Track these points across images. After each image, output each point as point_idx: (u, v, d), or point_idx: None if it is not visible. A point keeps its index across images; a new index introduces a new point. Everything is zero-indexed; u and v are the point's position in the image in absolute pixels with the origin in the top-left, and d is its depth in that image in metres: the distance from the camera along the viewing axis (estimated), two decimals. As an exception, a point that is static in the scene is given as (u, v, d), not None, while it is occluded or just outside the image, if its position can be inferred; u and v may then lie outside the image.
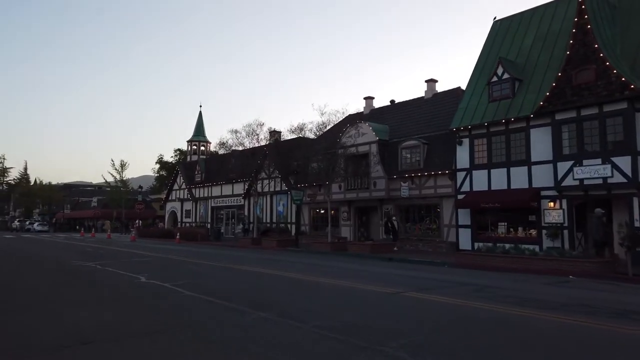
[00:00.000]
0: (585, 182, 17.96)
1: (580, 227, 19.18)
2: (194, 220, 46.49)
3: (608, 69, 17.48)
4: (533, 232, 20.19)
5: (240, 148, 32.61)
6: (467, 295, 10.09)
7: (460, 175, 22.86)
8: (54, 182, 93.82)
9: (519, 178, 20.49)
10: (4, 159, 71.68)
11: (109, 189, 64.03)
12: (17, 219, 72.55)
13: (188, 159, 53.53)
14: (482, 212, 21.87)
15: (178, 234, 37.59)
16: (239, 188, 39.73)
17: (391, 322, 7.41)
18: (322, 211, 31.31)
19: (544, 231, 19.54)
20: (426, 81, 30.56)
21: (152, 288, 10.88)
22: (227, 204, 42.19)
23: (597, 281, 13.29)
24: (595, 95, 17.73)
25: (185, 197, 47.86)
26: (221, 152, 41.68)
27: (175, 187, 50.31)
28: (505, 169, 21.03)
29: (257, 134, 31.56)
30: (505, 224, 21.24)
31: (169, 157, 68.11)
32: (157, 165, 68.13)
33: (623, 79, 17.04)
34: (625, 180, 16.95)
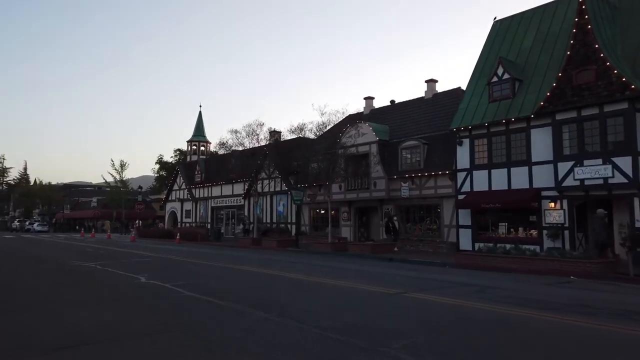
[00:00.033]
0: (586, 182, 17.95)
1: (581, 227, 19.16)
2: (194, 221, 46.48)
3: (608, 69, 17.47)
4: (534, 232, 20.17)
5: (240, 148, 32.59)
6: (468, 295, 10.07)
7: (461, 176, 22.84)
8: (53, 182, 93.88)
9: (519, 178, 20.47)
10: (3, 159, 71.87)
11: (108, 189, 64.04)
12: (17, 219, 72.57)
13: (188, 159, 53.52)
14: (482, 212, 21.85)
15: (178, 234, 37.58)
16: (239, 188, 39.72)
17: (392, 322, 7.39)
18: (322, 211, 31.30)
19: (544, 231, 19.52)
20: (426, 81, 30.55)
21: (152, 288, 10.86)
22: (227, 204, 42.18)
23: (598, 282, 13.27)
24: (596, 96, 17.71)
25: (185, 197, 47.85)
26: (221, 152, 41.67)
27: (175, 187, 50.30)
28: (505, 169, 21.01)
29: (257, 134, 31.58)
30: (506, 224, 21.22)
31: (169, 157, 68.18)
32: (157, 166, 68.15)
33: (624, 79, 17.02)
34: (626, 181, 16.93)
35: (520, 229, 20.68)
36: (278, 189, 35.07)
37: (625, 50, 18.75)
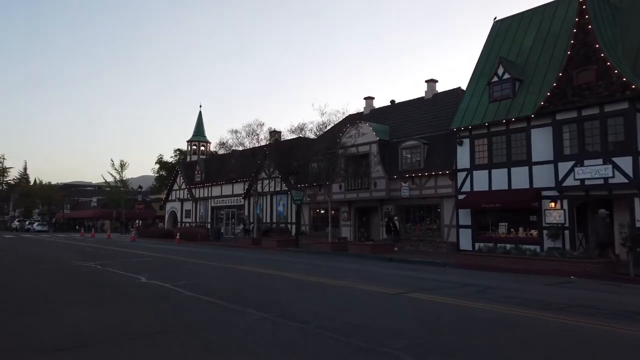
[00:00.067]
0: (586, 182, 17.93)
1: (581, 227, 19.15)
2: (193, 221, 46.46)
3: (609, 69, 17.45)
4: (534, 232, 20.15)
5: (240, 148, 32.59)
6: (468, 295, 10.06)
7: (461, 176, 22.83)
8: (53, 182, 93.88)
9: (519, 178, 20.46)
10: (3, 158, 71.78)
11: (108, 189, 64.01)
12: (17, 219, 72.57)
13: (188, 159, 53.50)
14: (482, 212, 21.83)
15: (178, 234, 37.57)
16: (239, 188, 39.71)
17: (392, 322, 7.38)
18: (323, 211, 31.29)
19: (544, 231, 19.50)
20: (426, 81, 30.53)
21: (152, 288, 10.84)
22: (227, 204, 42.16)
23: (598, 282, 13.27)
24: (596, 96, 17.69)
25: (185, 197, 47.83)
26: (221, 152, 41.66)
27: (175, 187, 50.28)
28: (505, 169, 20.99)
29: (257, 134, 31.60)
30: (506, 224, 21.20)
31: (169, 157, 68.16)
32: (157, 165, 68.13)
33: (624, 79, 17.00)
34: (626, 181, 16.91)
35: (521, 229, 20.66)
36: (278, 188, 35.06)
37: (626, 50, 18.73)
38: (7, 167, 75.59)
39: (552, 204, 19.28)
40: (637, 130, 16.96)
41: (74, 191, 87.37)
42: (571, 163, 18.34)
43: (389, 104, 33.19)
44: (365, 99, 34.67)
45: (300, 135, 30.79)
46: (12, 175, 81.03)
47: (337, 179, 27.44)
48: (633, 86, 16.75)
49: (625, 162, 16.97)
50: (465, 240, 22.20)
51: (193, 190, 46.46)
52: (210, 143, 53.75)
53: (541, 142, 19.71)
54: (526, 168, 20.27)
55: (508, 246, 17.50)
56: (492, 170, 21.48)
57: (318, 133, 29.42)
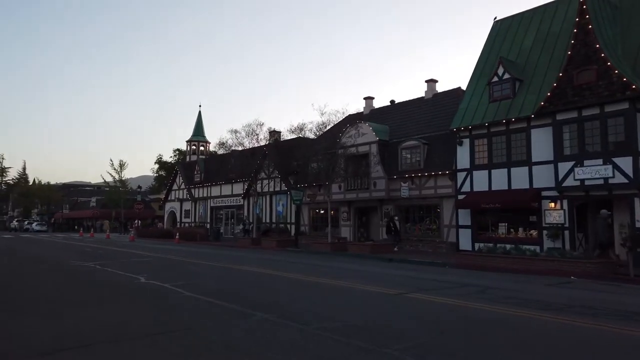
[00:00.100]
0: (586, 182, 17.92)
1: (581, 227, 19.14)
2: (193, 221, 46.41)
3: (609, 69, 17.44)
4: (534, 232, 20.14)
5: (240, 148, 32.54)
6: (468, 296, 10.04)
7: (461, 176, 22.81)
8: (52, 182, 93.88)
9: (519, 178, 20.44)
10: (2, 158, 71.60)
11: (107, 189, 63.95)
12: (16, 219, 72.47)
13: (187, 159, 53.44)
14: (482, 212, 21.81)
15: (177, 234, 37.52)
16: (239, 188, 39.67)
17: (393, 323, 7.36)
18: (322, 211, 31.25)
19: (544, 232, 19.49)
20: (426, 81, 30.52)
21: (152, 288, 10.81)
22: (226, 204, 42.12)
23: (598, 282, 13.25)
24: (597, 96, 17.68)
25: (185, 197, 47.78)
26: (220, 152, 41.61)
27: (175, 187, 50.22)
28: (505, 170, 20.98)
29: (256, 134, 31.54)
30: (506, 224, 21.19)
31: (168, 157, 68.13)
32: (156, 165, 68.10)
33: (624, 79, 17.00)
34: (626, 181, 16.90)
35: (520, 229, 20.65)
36: (277, 188, 35.03)
37: (626, 50, 18.73)
38: (6, 167, 75.43)
39: (552, 204, 19.27)
40: (637, 131, 16.96)
41: (73, 191, 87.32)
42: (571, 163, 18.33)
43: (389, 104, 33.18)
44: (365, 99, 34.65)
45: (300, 135, 30.76)
46: (11, 175, 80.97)
47: (336, 179, 27.41)
48: (633, 86, 16.74)
49: (626, 163, 16.96)
50: (465, 241, 22.18)
51: (192, 190, 46.41)
52: (209, 143, 53.74)
53: (541, 142, 19.70)
54: (526, 168, 20.26)
55: (508, 246, 17.48)
56: (492, 171, 21.47)
57: (318, 133, 29.39)
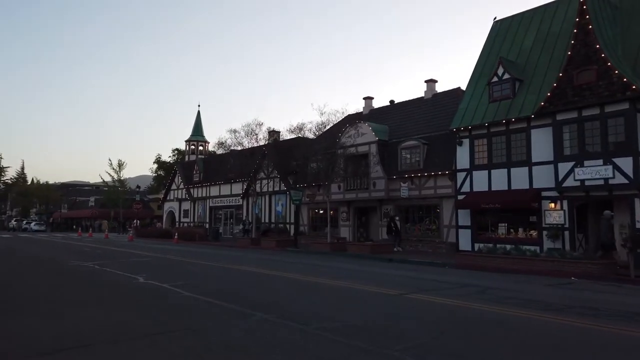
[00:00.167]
0: (587, 183, 17.89)
1: (581, 228, 19.12)
2: (192, 220, 46.36)
3: (609, 70, 17.41)
4: (533, 233, 20.11)
5: (239, 148, 32.50)
6: (469, 296, 10.02)
7: (461, 176, 22.78)
8: (51, 182, 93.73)
9: (519, 179, 20.41)
10: (1, 157, 71.32)
11: (106, 188, 63.88)
12: (14, 219, 72.38)
13: (186, 158, 53.39)
14: (482, 212, 21.78)
15: (176, 234, 37.45)
16: (238, 188, 39.63)
17: (392, 323, 7.33)
18: (321, 211, 31.20)
19: (544, 232, 19.46)
20: (426, 81, 30.50)
21: (151, 288, 10.77)
22: (225, 204, 42.06)
23: (599, 283, 13.22)
24: (597, 96, 17.66)
25: (184, 197, 47.73)
26: (220, 152, 41.56)
27: (174, 187, 50.17)
28: (505, 170, 20.95)
29: (256, 134, 31.51)
30: (506, 224, 21.16)
31: (167, 157, 68.07)
32: (155, 165, 68.04)
33: (625, 79, 16.97)
34: (626, 182, 16.88)
35: (520, 230, 20.62)
36: (277, 188, 34.98)
37: (626, 50, 18.70)
38: (4, 166, 75.21)
39: (552, 205, 19.24)
40: (637, 131, 16.93)
41: (71, 191, 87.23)
42: (571, 163, 18.30)
43: (388, 104, 33.15)
44: (364, 99, 34.62)
45: (300, 135, 30.73)
46: (10, 174, 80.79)
47: (336, 179, 27.38)
48: (634, 86, 16.72)
49: (626, 163, 16.93)
50: (465, 241, 22.15)
51: (191, 190, 46.36)
52: (208, 143, 53.72)
53: (541, 142, 19.67)
54: (526, 168, 20.23)
55: (508, 247, 17.45)
56: (492, 171, 21.43)
57: (317, 133, 29.37)
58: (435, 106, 28.30)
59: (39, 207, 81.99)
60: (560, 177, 18.62)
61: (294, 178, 32.00)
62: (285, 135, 32.88)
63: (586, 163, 17.89)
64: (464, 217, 22.48)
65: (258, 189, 33.59)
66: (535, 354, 5.78)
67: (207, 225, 42.92)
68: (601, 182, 17.49)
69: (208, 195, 44.20)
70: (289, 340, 6.14)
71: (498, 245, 18.10)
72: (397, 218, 24.93)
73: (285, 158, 31.62)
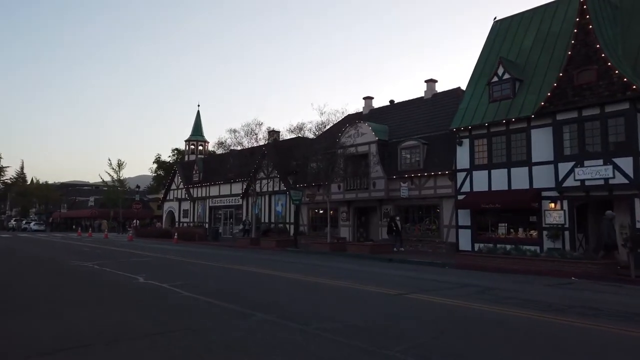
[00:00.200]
0: (587, 183, 17.89)
1: (581, 228, 19.11)
2: (191, 220, 46.32)
3: (610, 70, 17.41)
4: (533, 233, 20.11)
5: (239, 148, 32.47)
6: (469, 296, 10.00)
7: (461, 176, 22.77)
8: (50, 182, 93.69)
9: (519, 179, 20.40)
10: (0, 157, 71.27)
11: (106, 188, 63.88)
12: (14, 218, 72.35)
13: (186, 158, 53.35)
14: (482, 212, 21.77)
15: (176, 234, 37.43)
16: (237, 188, 39.60)
17: (393, 323, 7.32)
18: (321, 211, 31.19)
19: (544, 232, 19.45)
20: (426, 81, 30.49)
21: (151, 288, 10.75)
22: (225, 204, 42.04)
23: (599, 283, 13.21)
24: (597, 96, 17.65)
25: (183, 196, 47.69)
26: (219, 151, 41.52)
27: (173, 186, 50.14)
28: (505, 170, 20.94)
29: (255, 134, 31.51)
30: (506, 224, 21.15)
31: (167, 156, 68.02)
32: (155, 165, 68.00)
33: (625, 79, 16.97)
34: (627, 182, 16.87)
35: (520, 230, 20.62)
36: (277, 188, 34.96)
37: (627, 50, 18.70)
38: (4, 166, 75.17)
39: (552, 205, 19.23)
40: (637, 131, 16.93)
41: (71, 190, 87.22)
42: (571, 163, 18.29)
43: (388, 104, 33.14)
44: (364, 98, 34.60)
45: (299, 135, 30.71)
46: (9, 174, 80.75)
47: (336, 179, 27.36)
48: (634, 86, 16.71)
49: (626, 163, 16.93)
50: (465, 241, 22.14)
51: (191, 190, 46.33)
52: (208, 143, 53.67)
53: (541, 142, 19.66)
54: (526, 168, 20.22)
55: (508, 247, 17.43)
56: (492, 171, 21.43)
57: (317, 133, 29.35)
58: (435, 106, 28.29)
59: (39, 207, 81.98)
60: (561, 177, 18.62)
61: (294, 178, 31.98)
62: (285, 135, 32.90)
63: (586, 163, 17.88)
64: (464, 217, 22.47)
65: (258, 189, 33.57)
66: (535, 354, 5.77)
67: (207, 225, 42.89)
68: (601, 182, 17.49)
69: (208, 195, 44.18)
70: (289, 340, 6.13)
71: (498, 245, 18.08)
72: (397, 218, 24.91)
73: (285, 158, 31.60)
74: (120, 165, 59.66)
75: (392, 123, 29.35)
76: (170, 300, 9.22)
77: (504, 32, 24.91)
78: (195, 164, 47.12)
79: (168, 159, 66.63)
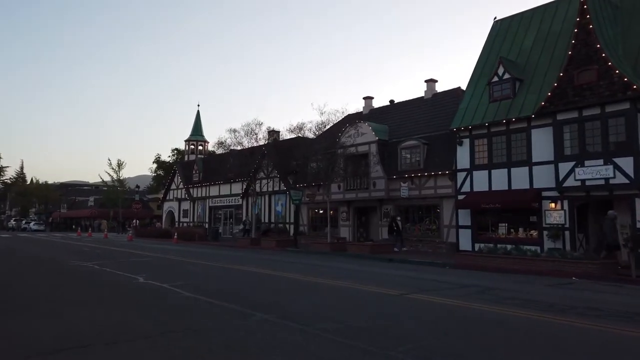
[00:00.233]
0: (587, 183, 17.88)
1: (582, 228, 19.10)
2: (191, 220, 46.30)
3: (610, 69, 17.39)
4: (534, 233, 20.10)
5: (239, 148, 32.45)
6: (469, 296, 9.99)
7: (461, 176, 22.76)
8: (50, 182, 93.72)
9: (519, 178, 20.39)
10: (0, 157, 71.31)
11: (105, 188, 63.86)
12: (13, 218, 72.33)
13: (186, 158, 53.33)
14: (482, 212, 21.76)
15: (176, 234, 37.41)
16: (237, 188, 39.58)
17: (393, 324, 7.30)
18: (321, 211, 31.18)
19: (545, 232, 19.44)
20: (426, 81, 30.46)
21: (151, 289, 10.74)
22: (225, 204, 42.03)
23: (600, 283, 13.21)
24: (597, 96, 17.64)
25: (183, 196, 47.68)
26: (219, 151, 41.50)
27: (173, 186, 50.12)
28: (506, 170, 20.93)
29: (255, 134, 31.49)
30: (506, 224, 21.14)
31: (167, 156, 67.97)
32: (155, 165, 67.95)
33: (625, 79, 16.95)
34: (627, 181, 16.86)
35: (521, 230, 20.60)
36: (277, 188, 34.95)
37: (627, 50, 18.69)
38: (3, 166, 75.14)
39: (553, 205, 19.22)
40: (638, 131, 16.91)
41: (71, 190, 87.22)
42: (572, 163, 18.28)
43: (388, 104, 33.11)
44: (364, 98, 34.57)
45: (299, 135, 30.69)
46: (9, 174, 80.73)
47: (336, 179, 27.34)
48: (634, 86, 16.70)
49: (626, 163, 16.92)
50: (465, 241, 22.13)
51: (191, 190, 46.31)
52: (208, 142, 53.65)
53: (541, 142, 19.65)
54: (526, 168, 20.21)
55: (508, 247, 17.42)
56: (492, 171, 21.41)
57: (317, 133, 29.33)
58: (435, 106, 28.27)
59: (38, 207, 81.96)
60: (561, 177, 18.60)
61: (294, 178, 31.96)
62: (285, 135, 32.88)
63: (587, 163, 17.87)
64: (464, 217, 22.46)
65: (258, 189, 33.55)
66: (535, 354, 5.76)
67: (207, 225, 42.88)
68: (602, 182, 17.48)
69: (207, 195, 44.16)
70: (290, 340, 6.12)
71: (498, 245, 18.07)
72: (398, 218, 24.89)
73: (285, 158, 31.57)
74: (120, 165, 59.70)
75: (392, 123, 29.33)
76: (171, 300, 9.21)
77: (504, 32, 24.89)
78: (195, 164, 47.10)
79: (168, 159, 66.61)
